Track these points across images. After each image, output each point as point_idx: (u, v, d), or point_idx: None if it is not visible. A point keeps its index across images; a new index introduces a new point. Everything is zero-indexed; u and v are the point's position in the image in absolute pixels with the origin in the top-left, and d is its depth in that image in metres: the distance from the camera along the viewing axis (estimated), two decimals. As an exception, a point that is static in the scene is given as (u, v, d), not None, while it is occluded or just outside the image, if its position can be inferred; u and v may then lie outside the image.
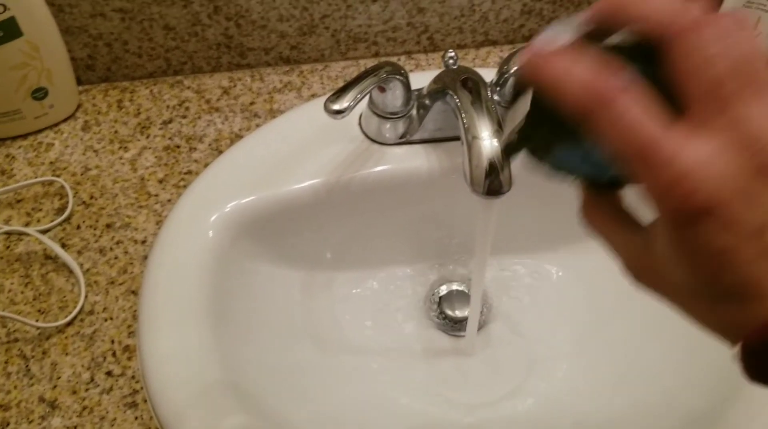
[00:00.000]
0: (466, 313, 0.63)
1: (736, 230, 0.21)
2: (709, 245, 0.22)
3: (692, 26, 0.21)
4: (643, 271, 0.26)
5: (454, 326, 0.62)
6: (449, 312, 0.63)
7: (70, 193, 0.58)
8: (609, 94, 0.22)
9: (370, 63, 0.68)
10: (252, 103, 0.65)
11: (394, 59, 0.69)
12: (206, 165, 0.60)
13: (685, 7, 0.22)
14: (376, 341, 0.61)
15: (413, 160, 0.58)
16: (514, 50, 0.56)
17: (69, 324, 0.52)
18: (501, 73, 0.56)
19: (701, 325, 0.25)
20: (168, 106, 0.65)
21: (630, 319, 0.59)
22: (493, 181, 0.48)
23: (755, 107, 0.21)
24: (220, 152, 0.61)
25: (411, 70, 0.67)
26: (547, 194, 0.59)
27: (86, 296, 0.53)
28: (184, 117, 0.64)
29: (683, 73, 0.22)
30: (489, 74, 0.56)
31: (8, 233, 0.56)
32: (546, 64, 0.23)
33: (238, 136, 0.62)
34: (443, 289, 0.65)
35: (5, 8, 0.54)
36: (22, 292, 0.53)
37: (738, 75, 0.21)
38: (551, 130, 0.25)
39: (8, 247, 0.56)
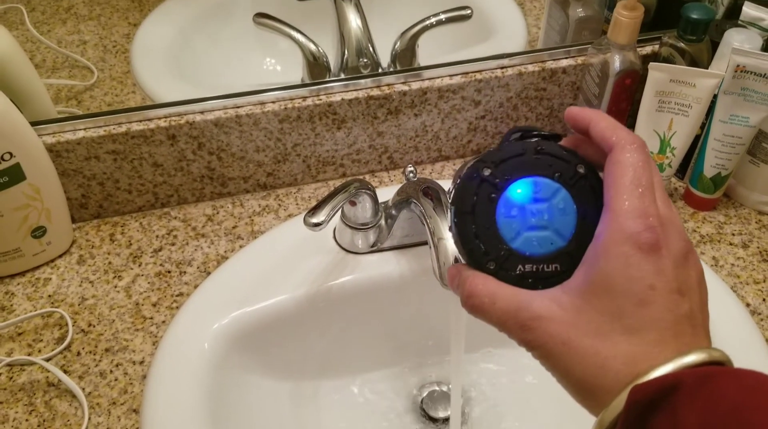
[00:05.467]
0: (449, 413, 0.66)
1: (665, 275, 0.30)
2: (651, 275, 0.30)
3: (623, 144, 0.32)
4: (547, 319, 0.32)
5: (439, 426, 0.66)
6: (432, 413, 0.67)
7: (70, 323, 0.62)
8: None
9: (339, 183, 0.76)
10: (234, 227, 0.71)
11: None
12: (196, 286, 0.65)
13: (619, 131, 0.33)
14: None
15: (386, 266, 0.64)
16: (465, 161, 0.64)
17: (74, 446, 0.54)
18: (456, 182, 0.63)
19: (580, 368, 0.30)
20: (157, 236, 0.71)
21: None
22: (459, 276, 0.54)
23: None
24: (209, 273, 0.66)
25: (376, 187, 0.75)
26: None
27: (89, 418, 0.56)
28: (173, 244, 0.70)
29: (611, 171, 0.32)
30: (445, 184, 0.64)
31: (10, 365, 0.60)
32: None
33: (224, 258, 0.68)
34: (424, 390, 0.68)
35: (12, 155, 0.60)
36: (27, 420, 0.56)
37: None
38: None
39: (11, 379, 0.59)
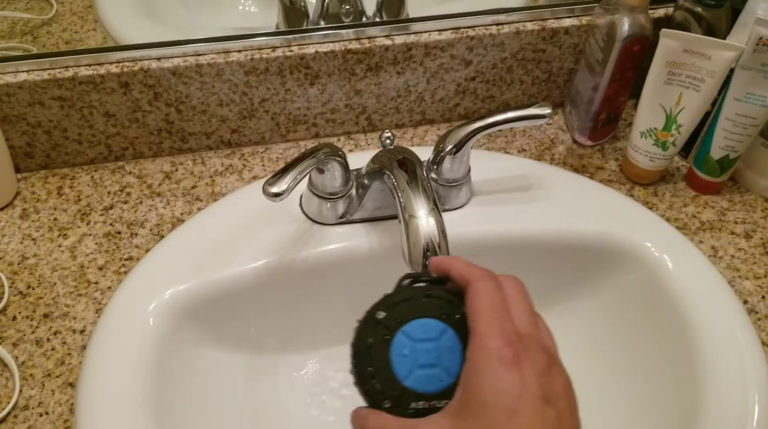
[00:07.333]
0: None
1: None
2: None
3: (476, 279, 0.37)
4: None
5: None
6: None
7: (6, 284, 0.57)
8: None
9: (311, 144, 0.70)
10: (194, 187, 0.65)
11: (333, 140, 0.71)
12: (147, 250, 0.59)
13: (472, 269, 0.38)
14: (321, 426, 0.60)
15: (354, 239, 0.59)
16: (450, 128, 0.58)
17: (1, 421, 0.50)
18: (437, 152, 0.57)
19: None
20: (109, 192, 0.65)
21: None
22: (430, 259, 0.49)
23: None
24: (162, 237, 0.61)
25: (350, 151, 0.69)
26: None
27: (21, 391, 0.52)
28: (126, 202, 0.64)
29: (470, 302, 0.36)
30: (426, 152, 0.58)
31: (-61, 328, 0.55)
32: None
33: (180, 220, 0.62)
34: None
35: (-60, 101, 0.54)
36: (-48, 390, 0.52)
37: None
38: None
39: (-62, 343, 0.54)
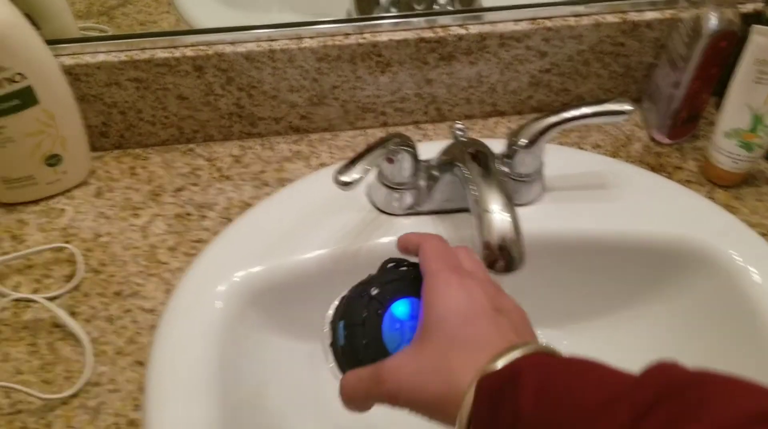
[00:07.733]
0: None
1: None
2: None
3: (425, 240, 0.42)
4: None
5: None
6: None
7: (81, 260, 0.58)
8: None
9: (379, 132, 0.69)
10: (262, 172, 0.66)
11: (401, 129, 0.70)
12: (216, 233, 0.60)
13: (422, 234, 0.44)
14: (383, 414, 0.60)
15: (421, 231, 0.58)
16: (521, 120, 0.56)
17: (74, 395, 0.51)
18: (510, 145, 0.56)
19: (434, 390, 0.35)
20: (180, 174, 0.66)
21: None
22: (505, 257, 0.48)
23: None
24: (230, 220, 0.61)
25: (419, 140, 0.68)
26: (551, 274, 0.59)
27: (93, 367, 0.53)
28: (196, 185, 0.65)
29: (421, 259, 0.41)
30: (497, 145, 0.57)
31: (17, 300, 0.56)
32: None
33: (248, 205, 0.62)
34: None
35: (23, 77, 0.55)
36: (28, 361, 0.53)
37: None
38: None
39: (16, 314, 0.56)
